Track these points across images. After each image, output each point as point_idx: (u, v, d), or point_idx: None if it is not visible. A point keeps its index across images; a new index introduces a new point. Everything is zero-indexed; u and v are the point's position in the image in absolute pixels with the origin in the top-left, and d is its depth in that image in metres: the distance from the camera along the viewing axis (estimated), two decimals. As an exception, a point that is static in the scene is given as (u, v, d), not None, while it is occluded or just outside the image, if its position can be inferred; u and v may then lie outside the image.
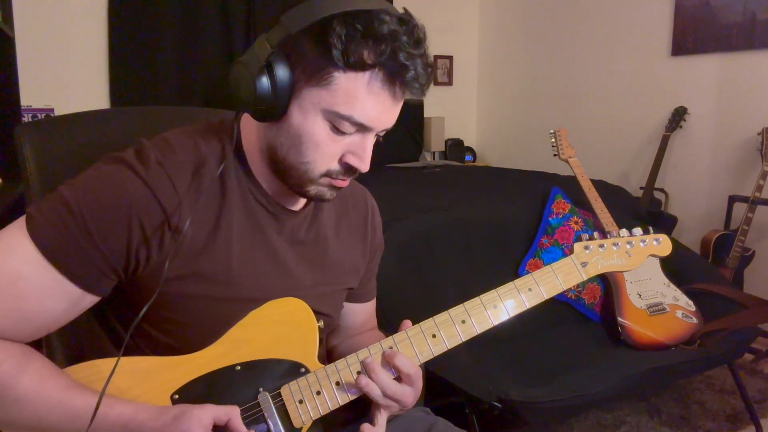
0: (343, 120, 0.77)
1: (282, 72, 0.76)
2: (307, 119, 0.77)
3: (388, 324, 1.19)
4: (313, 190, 0.83)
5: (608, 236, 0.98)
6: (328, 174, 0.81)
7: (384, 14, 0.74)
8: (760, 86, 2.87)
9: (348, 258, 0.99)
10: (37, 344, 0.80)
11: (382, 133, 0.83)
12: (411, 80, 0.76)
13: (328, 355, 1.06)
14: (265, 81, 0.76)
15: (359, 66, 0.74)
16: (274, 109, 0.77)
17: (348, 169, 0.82)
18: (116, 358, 0.77)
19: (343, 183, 0.84)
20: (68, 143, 1.07)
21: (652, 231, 1.01)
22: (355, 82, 0.75)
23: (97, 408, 0.72)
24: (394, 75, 0.75)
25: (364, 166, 0.81)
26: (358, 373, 0.85)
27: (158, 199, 0.77)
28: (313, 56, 0.75)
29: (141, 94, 3.22)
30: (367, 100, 0.76)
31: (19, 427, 0.76)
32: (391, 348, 0.86)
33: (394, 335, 0.87)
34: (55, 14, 3.04)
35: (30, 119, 2.80)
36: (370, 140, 0.81)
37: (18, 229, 0.75)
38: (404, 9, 0.79)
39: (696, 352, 1.94)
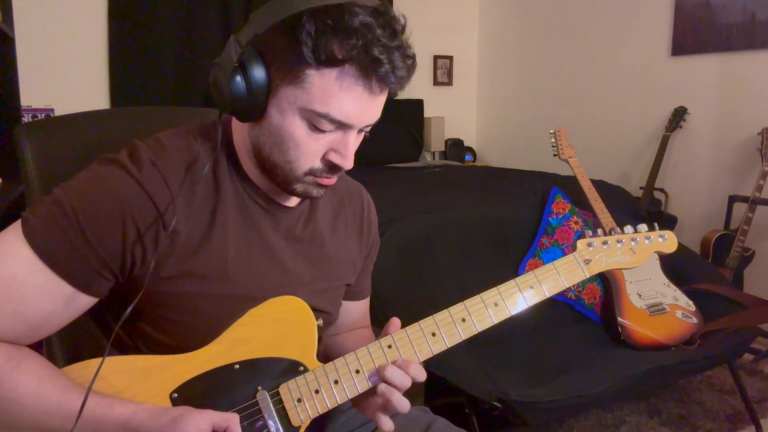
0: (320, 118, 0.76)
1: (257, 72, 0.75)
2: (286, 118, 0.77)
3: (387, 323, 1.19)
4: (299, 188, 0.82)
5: (612, 233, 0.96)
6: (311, 173, 0.81)
7: (356, 6, 0.71)
8: (760, 86, 2.86)
9: (345, 254, 0.98)
10: (38, 345, 0.80)
11: (366, 129, 0.82)
12: (386, 74, 0.74)
13: None
14: (239, 81, 0.75)
15: (331, 62, 0.72)
16: (252, 109, 0.77)
17: (331, 167, 0.81)
18: (112, 357, 0.76)
19: (329, 181, 0.83)
20: (68, 143, 1.07)
21: (657, 227, 0.99)
22: (329, 79, 0.73)
23: (83, 406, 0.71)
24: (368, 69, 0.73)
25: (347, 163, 0.80)
26: (357, 372, 0.85)
27: (151, 197, 0.77)
28: (286, 54, 0.73)
29: (141, 94, 3.22)
30: (343, 97, 0.74)
31: (19, 429, 0.75)
32: (390, 346, 0.86)
33: (393, 333, 0.87)
34: (55, 14, 3.05)
35: (30, 119, 2.80)
36: (352, 137, 0.80)
37: (13, 233, 0.75)
38: (382, 1, 0.76)
39: (696, 352, 1.94)
